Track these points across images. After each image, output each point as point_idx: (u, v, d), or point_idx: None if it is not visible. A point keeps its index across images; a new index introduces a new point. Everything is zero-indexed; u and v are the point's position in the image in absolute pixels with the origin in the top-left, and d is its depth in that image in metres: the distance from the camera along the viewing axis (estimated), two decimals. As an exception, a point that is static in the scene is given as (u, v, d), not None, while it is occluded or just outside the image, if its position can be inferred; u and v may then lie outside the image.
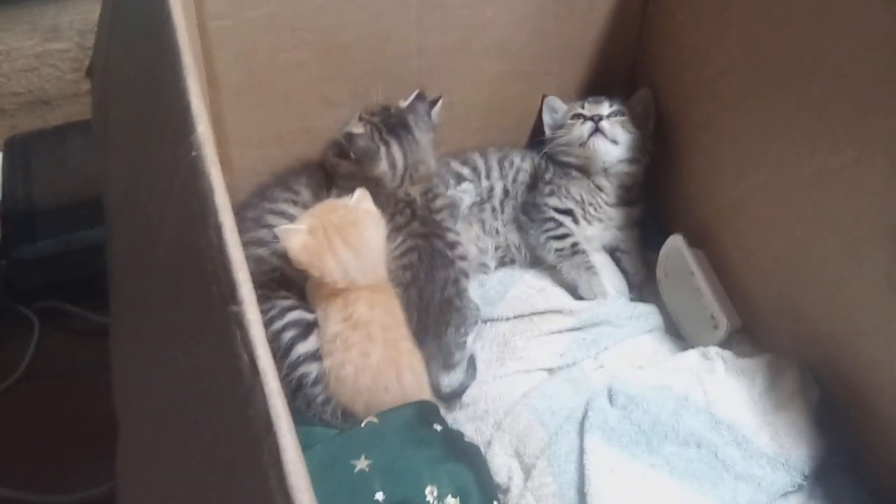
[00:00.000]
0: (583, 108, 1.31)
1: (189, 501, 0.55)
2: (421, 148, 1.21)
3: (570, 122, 1.31)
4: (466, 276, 1.19)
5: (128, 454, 0.68)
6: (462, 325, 1.15)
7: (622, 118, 1.30)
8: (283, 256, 1.08)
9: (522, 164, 1.35)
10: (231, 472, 0.47)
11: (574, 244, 1.26)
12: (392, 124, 1.19)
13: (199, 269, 0.51)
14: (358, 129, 1.18)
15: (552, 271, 1.28)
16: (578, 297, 1.24)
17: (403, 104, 1.22)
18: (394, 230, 1.17)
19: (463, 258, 1.19)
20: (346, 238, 1.07)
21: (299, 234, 1.05)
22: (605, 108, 1.30)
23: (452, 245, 1.19)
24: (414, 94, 1.23)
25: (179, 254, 0.58)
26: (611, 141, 1.28)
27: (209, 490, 0.51)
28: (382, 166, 1.17)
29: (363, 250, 1.09)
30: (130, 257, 0.77)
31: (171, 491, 0.60)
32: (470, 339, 1.16)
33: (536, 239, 1.28)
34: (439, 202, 1.22)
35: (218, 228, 0.50)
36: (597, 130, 1.28)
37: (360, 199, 1.11)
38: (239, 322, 0.46)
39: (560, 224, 1.28)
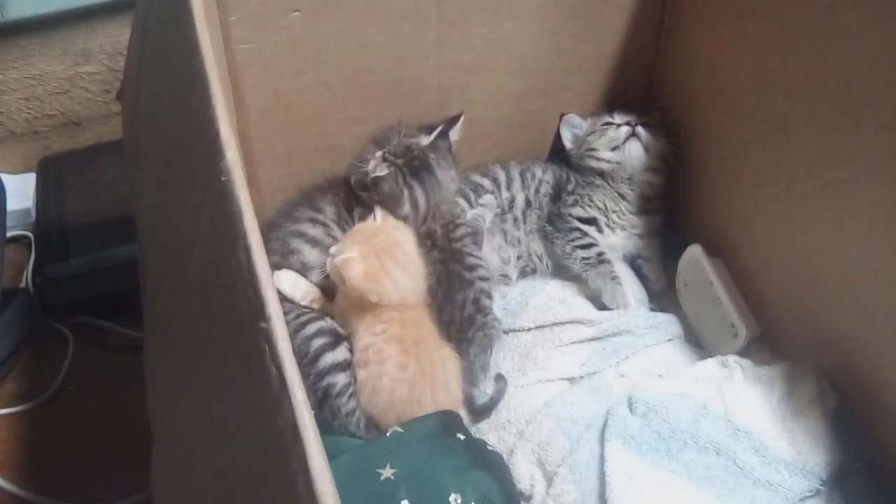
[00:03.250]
0: (612, 117, 1.34)
1: (221, 509, 0.58)
2: (443, 189, 1.22)
3: (601, 127, 1.34)
4: (489, 296, 1.21)
5: (162, 465, 0.71)
6: (487, 346, 1.17)
7: (650, 128, 1.32)
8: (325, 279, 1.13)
9: (544, 176, 1.38)
10: (261, 480, 0.50)
11: (600, 254, 1.28)
12: (415, 167, 1.19)
13: (229, 288, 0.54)
14: (383, 170, 1.18)
15: (573, 282, 1.30)
16: (601, 306, 1.26)
17: (426, 141, 1.23)
18: None
19: (483, 279, 1.21)
20: (395, 259, 1.11)
21: (357, 262, 1.07)
22: (636, 118, 1.33)
23: (471, 268, 1.21)
24: (437, 130, 1.23)
25: (210, 273, 0.61)
26: (644, 147, 1.31)
27: (240, 498, 0.54)
28: (405, 209, 1.19)
29: (412, 266, 1.13)
30: (162, 275, 0.80)
31: (203, 500, 0.62)
32: (492, 359, 1.19)
33: (562, 248, 1.30)
34: (460, 231, 1.24)
35: (247, 250, 0.53)
36: (633, 135, 1.31)
37: (386, 217, 1.15)
38: (268, 337, 0.49)
39: (585, 234, 1.30)
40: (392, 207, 1.18)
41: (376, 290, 1.08)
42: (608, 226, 1.33)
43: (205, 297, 0.63)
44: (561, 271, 1.33)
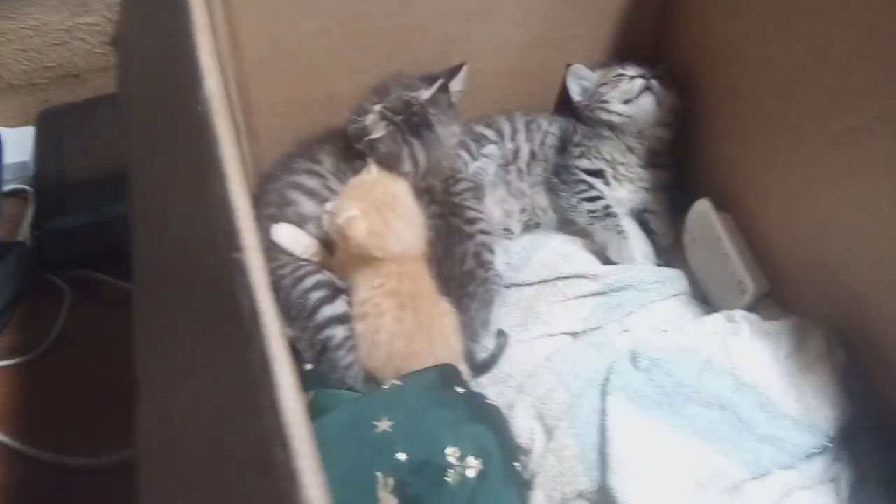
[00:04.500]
0: (624, 69, 1.30)
1: (201, 457, 0.56)
2: (443, 144, 1.20)
3: (614, 79, 1.30)
4: (490, 250, 1.18)
5: (145, 412, 0.69)
6: (489, 301, 1.15)
7: (663, 81, 1.29)
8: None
9: (550, 127, 1.34)
10: (232, 417, 0.48)
11: (606, 206, 1.26)
12: (415, 123, 1.17)
13: (207, 222, 0.52)
14: (381, 130, 1.15)
15: (578, 236, 1.27)
16: (606, 260, 1.23)
17: (426, 95, 1.19)
18: None
19: (485, 233, 1.18)
20: (396, 211, 1.09)
21: (359, 220, 1.05)
22: (648, 71, 1.29)
23: (471, 221, 1.18)
24: (437, 83, 1.20)
25: (190, 209, 0.59)
26: (657, 101, 1.27)
27: (216, 440, 0.52)
28: (406, 167, 1.17)
29: (412, 218, 1.11)
30: (148, 225, 0.78)
31: (185, 450, 0.60)
32: (493, 315, 1.16)
33: (568, 201, 1.27)
34: (460, 186, 1.21)
35: (222, 178, 0.50)
36: (647, 88, 1.27)
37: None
38: (241, 268, 0.46)
39: (591, 186, 1.27)
40: (392, 166, 1.16)
41: (381, 246, 1.07)
42: (615, 178, 1.30)
43: (185, 236, 0.60)
44: (565, 225, 1.30)
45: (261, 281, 0.46)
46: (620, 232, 1.24)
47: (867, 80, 0.93)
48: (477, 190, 1.24)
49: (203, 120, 0.54)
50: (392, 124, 1.16)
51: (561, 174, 1.29)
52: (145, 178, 0.82)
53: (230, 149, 0.52)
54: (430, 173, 1.20)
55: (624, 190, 1.31)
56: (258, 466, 0.44)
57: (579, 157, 1.30)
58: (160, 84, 0.75)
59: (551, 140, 1.33)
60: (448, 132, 1.21)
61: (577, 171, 1.28)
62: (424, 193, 1.20)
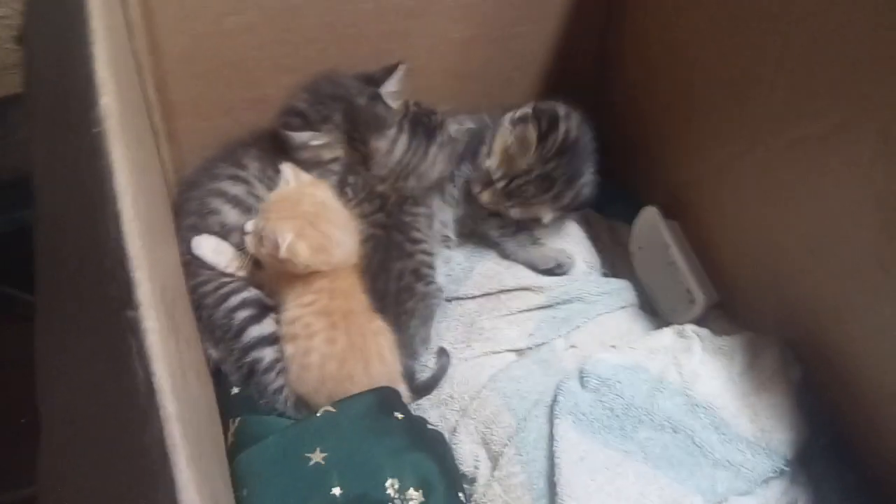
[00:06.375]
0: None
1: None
2: (426, 163, 1.15)
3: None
4: (430, 265, 1.13)
5: (47, 452, 0.61)
6: (429, 318, 1.10)
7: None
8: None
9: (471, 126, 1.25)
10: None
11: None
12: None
13: (98, 265, 0.44)
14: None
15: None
16: (547, 273, 1.17)
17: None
18: (359, 216, 1.11)
19: (426, 253, 1.13)
20: (330, 220, 1.03)
21: (298, 242, 0.97)
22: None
23: (415, 241, 1.13)
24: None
25: (83, 245, 0.51)
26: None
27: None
28: (380, 143, 1.13)
29: (345, 220, 1.06)
30: (46, 245, 0.69)
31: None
32: (433, 331, 1.11)
33: (475, 212, 1.20)
34: (417, 210, 1.16)
35: (116, 217, 0.43)
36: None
37: (297, 175, 1.05)
38: (135, 330, 0.39)
39: None
40: (370, 131, 1.13)
41: (326, 260, 1.01)
42: None
43: (78, 274, 0.53)
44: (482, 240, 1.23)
45: (158, 346, 0.39)
46: (536, 241, 1.18)
47: (826, 86, 0.89)
48: (430, 219, 1.18)
49: (97, 145, 0.46)
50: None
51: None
52: (48, 195, 0.74)
53: (125, 180, 0.44)
54: (396, 178, 1.15)
55: None
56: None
57: (489, 155, 1.18)
58: (57, 95, 0.66)
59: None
60: (437, 157, 1.17)
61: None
62: (376, 199, 1.14)
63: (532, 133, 1.11)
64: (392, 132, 1.14)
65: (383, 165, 1.14)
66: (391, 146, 1.14)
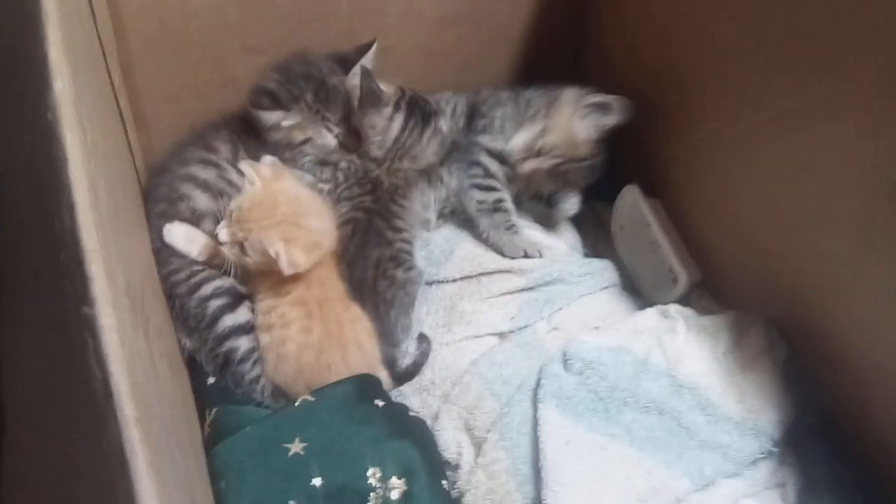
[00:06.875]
0: None
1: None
2: (420, 147, 1.15)
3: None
4: (409, 253, 1.11)
5: (9, 452, 0.58)
6: (409, 305, 1.08)
7: None
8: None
9: (458, 102, 1.24)
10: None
11: (498, 200, 1.16)
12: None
13: (55, 260, 0.42)
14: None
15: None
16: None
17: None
18: (346, 199, 1.11)
19: (406, 242, 1.11)
20: (309, 212, 1.01)
21: (291, 250, 0.94)
22: None
23: (397, 229, 1.11)
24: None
25: (41, 239, 0.48)
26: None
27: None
28: (375, 120, 1.12)
29: (319, 205, 1.04)
30: (8, 239, 0.66)
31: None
32: (414, 318, 1.09)
33: (461, 184, 1.18)
34: (403, 202, 1.14)
35: (71, 208, 0.40)
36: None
37: (256, 170, 1.01)
38: (91, 328, 0.36)
39: (487, 172, 1.17)
40: (366, 107, 1.13)
41: (321, 254, 0.99)
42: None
43: (36, 267, 0.50)
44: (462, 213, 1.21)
45: (115, 345, 0.36)
46: (510, 228, 1.15)
47: (807, 59, 0.87)
48: (417, 215, 1.17)
49: (50, 131, 0.44)
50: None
51: (461, 151, 1.19)
52: (7, 187, 0.71)
53: (80, 170, 0.42)
54: (391, 160, 1.14)
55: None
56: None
57: (482, 131, 1.19)
58: (11, 83, 0.63)
59: (461, 114, 1.23)
60: (431, 142, 1.16)
61: (476, 149, 1.18)
62: (369, 183, 1.13)
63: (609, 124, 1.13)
64: (388, 110, 1.12)
65: (380, 146, 1.13)
66: (387, 123, 1.12)
